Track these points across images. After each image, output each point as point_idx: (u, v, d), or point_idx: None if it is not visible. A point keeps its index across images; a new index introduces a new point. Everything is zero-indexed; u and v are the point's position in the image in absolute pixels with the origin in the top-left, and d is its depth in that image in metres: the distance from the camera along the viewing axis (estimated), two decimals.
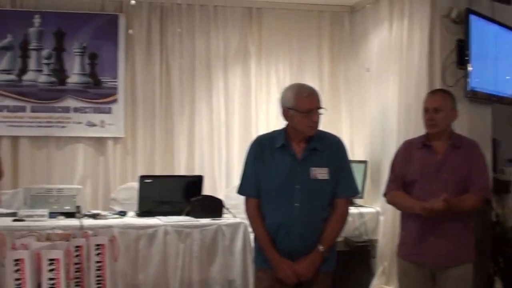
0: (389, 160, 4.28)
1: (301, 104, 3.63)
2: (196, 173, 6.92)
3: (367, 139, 7.06)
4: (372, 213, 6.49)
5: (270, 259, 3.69)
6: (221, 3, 7.36)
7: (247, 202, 3.83)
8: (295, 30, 7.56)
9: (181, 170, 7.15)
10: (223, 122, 7.32)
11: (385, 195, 4.20)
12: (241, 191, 3.87)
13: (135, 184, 6.03)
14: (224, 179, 7.28)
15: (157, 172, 7.05)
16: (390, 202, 4.19)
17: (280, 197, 3.67)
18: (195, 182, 6.04)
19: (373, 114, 6.92)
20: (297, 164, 3.67)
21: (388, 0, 6.64)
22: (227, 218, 5.62)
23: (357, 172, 6.21)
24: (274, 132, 3.88)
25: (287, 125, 3.77)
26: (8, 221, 5.20)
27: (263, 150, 3.76)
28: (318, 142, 3.71)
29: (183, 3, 7.24)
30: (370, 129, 6.98)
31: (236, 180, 6.66)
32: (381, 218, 6.38)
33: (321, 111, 3.70)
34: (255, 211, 3.76)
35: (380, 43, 6.83)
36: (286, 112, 3.72)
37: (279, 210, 3.66)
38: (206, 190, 6.38)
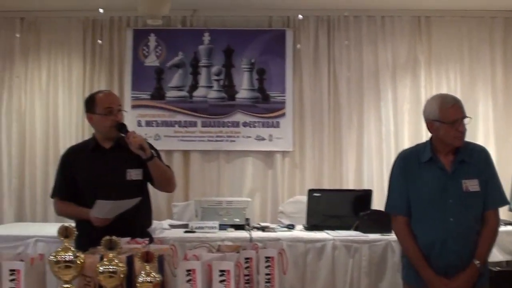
0: None
1: (447, 115, 3.56)
2: (365, 186, 6.83)
3: None
4: None
5: (425, 278, 3.58)
6: (388, 13, 7.22)
7: (395, 219, 3.75)
8: (466, 38, 7.26)
9: (349, 183, 7.06)
10: (392, 134, 7.14)
11: None
12: (389, 208, 3.81)
13: (303, 198, 6.01)
14: None
15: (325, 185, 6.99)
16: None
17: (432, 213, 3.57)
18: (364, 196, 5.92)
19: None
20: (447, 177, 3.58)
21: None
22: None
23: None
24: (418, 145, 3.82)
25: (432, 138, 3.69)
26: (180, 233, 5.37)
27: (409, 165, 3.69)
28: (465, 153, 3.62)
29: (350, 14, 7.19)
30: None
31: None
32: None
33: (466, 120, 3.61)
34: (405, 229, 3.68)
35: None
36: (431, 124, 3.65)
37: (432, 226, 3.57)
38: (375, 205, 6.24)
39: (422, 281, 3.60)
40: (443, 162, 3.60)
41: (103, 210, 3.70)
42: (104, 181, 3.89)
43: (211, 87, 7.20)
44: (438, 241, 3.54)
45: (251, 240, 5.07)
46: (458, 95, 6.60)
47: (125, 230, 3.16)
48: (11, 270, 2.47)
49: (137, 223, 3.86)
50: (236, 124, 7.14)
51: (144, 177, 3.97)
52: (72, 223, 3.01)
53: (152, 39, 7.20)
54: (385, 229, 5.43)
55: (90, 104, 4.01)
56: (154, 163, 3.88)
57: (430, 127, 3.66)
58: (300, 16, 7.06)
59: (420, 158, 3.65)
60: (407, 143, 7.05)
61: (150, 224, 4.19)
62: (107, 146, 4.01)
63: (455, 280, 3.51)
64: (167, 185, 4.12)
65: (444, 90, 7.07)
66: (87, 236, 3.04)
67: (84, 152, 4.08)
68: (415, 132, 7.07)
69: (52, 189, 4.17)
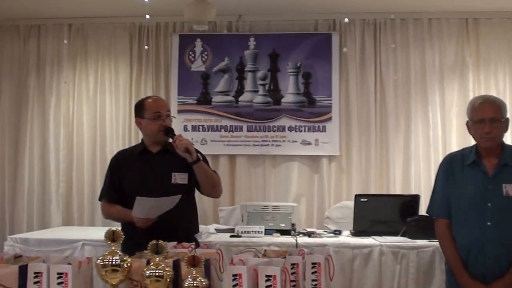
0: None
1: (474, 113, 3.54)
2: (412, 191, 6.75)
3: None
4: None
5: (461, 282, 3.54)
6: (435, 15, 7.13)
7: (436, 222, 3.73)
8: None
9: (397, 188, 6.98)
10: (440, 138, 7.05)
11: None
12: (430, 211, 3.80)
13: (350, 203, 5.95)
14: None
15: (372, 190, 6.94)
16: None
17: (471, 216, 3.52)
18: (412, 201, 5.83)
19: None
20: (488, 181, 3.51)
21: None
22: None
23: None
24: (465, 149, 3.76)
25: None
26: (226, 237, 5.36)
27: (453, 168, 3.64)
28: (509, 157, 3.53)
29: (396, 17, 7.12)
30: None
31: None
32: None
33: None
34: (446, 232, 3.65)
35: None
36: (467, 123, 3.64)
37: (470, 230, 3.52)
38: (423, 210, 6.14)
39: None
40: (486, 165, 3.54)
41: (144, 208, 3.70)
42: (149, 185, 3.90)
43: (256, 91, 7.20)
44: (475, 246, 3.48)
45: (297, 245, 5.04)
46: (507, 98, 6.63)
47: (171, 235, 3.14)
48: (58, 273, 2.47)
49: (182, 228, 3.85)
50: (281, 129, 7.12)
51: (189, 182, 3.97)
52: (119, 227, 3.02)
53: (198, 44, 7.24)
54: (433, 235, 5.22)
55: (139, 108, 4.05)
56: (200, 167, 3.88)
57: (467, 126, 3.64)
58: (346, 20, 6.98)
59: (464, 161, 3.60)
60: (455, 148, 6.92)
61: (196, 230, 4.19)
62: (155, 151, 4.04)
63: (491, 287, 3.44)
64: (213, 191, 4.10)
65: (492, 93, 6.93)
66: (133, 240, 3.05)
67: (132, 156, 4.11)
68: (463, 136, 6.90)
69: (100, 191, 4.22)
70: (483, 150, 3.56)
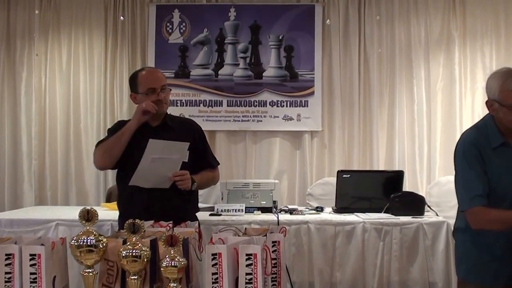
0: None
1: (507, 97, 3.13)
2: (396, 167, 6.72)
3: None
4: None
5: None
6: None
7: (475, 211, 3.29)
8: (502, 12, 7.05)
9: (380, 164, 6.95)
10: (425, 114, 6.99)
11: None
12: (472, 202, 3.27)
13: (332, 179, 5.91)
14: (425, 175, 6.96)
15: (355, 166, 6.89)
16: None
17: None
18: (395, 177, 5.73)
19: None
20: None
21: None
22: (429, 217, 5.26)
23: None
24: (479, 128, 3.35)
25: (494, 119, 3.27)
26: (205, 215, 5.21)
27: (482, 152, 3.27)
28: None
29: None
30: None
31: (438, 176, 6.41)
32: None
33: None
34: (490, 210, 3.23)
35: None
36: (490, 103, 3.24)
37: None
38: (407, 186, 6.08)
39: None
40: None
41: (152, 153, 3.60)
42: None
43: (237, 65, 7.08)
44: None
45: (278, 223, 4.97)
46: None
47: (171, 215, 3.07)
48: (31, 255, 2.41)
49: (182, 208, 3.74)
50: (263, 104, 7.01)
51: (191, 162, 3.80)
52: (94, 206, 2.87)
53: (176, 15, 7.07)
54: (416, 212, 5.30)
55: (133, 82, 3.89)
56: (199, 186, 3.88)
57: (489, 106, 3.24)
58: None
59: (491, 143, 3.25)
60: (440, 124, 6.96)
61: (197, 209, 4.08)
62: (154, 125, 3.89)
63: None
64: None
65: (479, 67, 6.98)
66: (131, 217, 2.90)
67: None
68: (448, 112, 6.97)
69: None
70: (504, 129, 3.22)
